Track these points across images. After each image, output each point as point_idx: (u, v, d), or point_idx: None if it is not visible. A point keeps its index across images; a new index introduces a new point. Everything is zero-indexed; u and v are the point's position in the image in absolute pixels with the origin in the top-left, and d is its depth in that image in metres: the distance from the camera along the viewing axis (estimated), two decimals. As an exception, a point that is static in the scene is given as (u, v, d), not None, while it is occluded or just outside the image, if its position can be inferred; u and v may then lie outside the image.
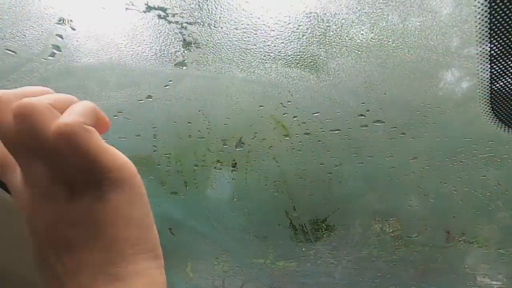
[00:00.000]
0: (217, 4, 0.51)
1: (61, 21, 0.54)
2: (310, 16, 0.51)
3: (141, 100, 0.67)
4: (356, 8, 0.49)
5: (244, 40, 0.55)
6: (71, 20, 0.55)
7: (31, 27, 0.54)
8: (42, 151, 0.21)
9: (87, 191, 0.22)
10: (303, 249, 1.19)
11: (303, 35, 0.53)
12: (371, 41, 0.54)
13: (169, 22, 0.52)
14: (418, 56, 0.57)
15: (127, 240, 0.23)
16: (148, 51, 0.58)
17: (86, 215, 0.22)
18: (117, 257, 0.22)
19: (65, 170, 0.22)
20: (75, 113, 0.22)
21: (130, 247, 0.23)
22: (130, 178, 0.23)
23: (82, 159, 0.21)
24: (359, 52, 0.55)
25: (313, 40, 0.54)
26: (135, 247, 0.23)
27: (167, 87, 0.63)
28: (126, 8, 0.52)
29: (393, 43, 0.56)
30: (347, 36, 0.53)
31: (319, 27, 0.52)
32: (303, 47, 0.55)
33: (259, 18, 0.51)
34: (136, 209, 0.23)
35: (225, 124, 0.72)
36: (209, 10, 0.52)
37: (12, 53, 0.58)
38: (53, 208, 0.22)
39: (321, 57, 0.56)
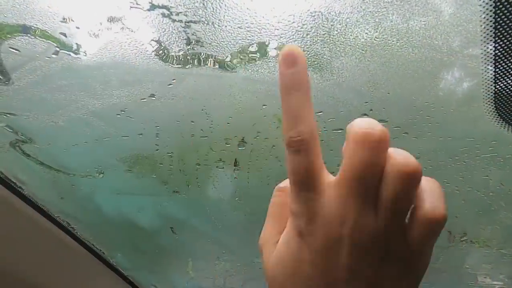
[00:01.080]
0: (221, 3, 0.51)
1: (65, 20, 0.54)
2: (314, 15, 0.50)
3: (144, 98, 0.67)
4: (361, 7, 0.49)
5: (248, 39, 0.55)
6: (73, 20, 0.55)
7: (35, 25, 0.54)
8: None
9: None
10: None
11: (307, 34, 0.53)
12: (375, 40, 0.54)
13: (173, 20, 0.52)
14: (422, 56, 0.57)
15: None
16: (152, 49, 0.58)
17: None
18: None
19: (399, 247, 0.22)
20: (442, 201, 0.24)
21: None
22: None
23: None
24: (363, 51, 0.55)
25: (317, 39, 0.54)
26: None
27: (170, 85, 0.63)
28: (130, 7, 0.52)
29: (397, 42, 0.56)
30: (351, 35, 0.53)
31: (323, 26, 0.52)
32: (307, 46, 0.55)
33: (263, 17, 0.51)
34: None
35: (228, 123, 0.72)
36: (213, 8, 0.52)
37: (16, 51, 0.58)
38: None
39: (325, 56, 0.56)
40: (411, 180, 0.21)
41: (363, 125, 0.21)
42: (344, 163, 0.22)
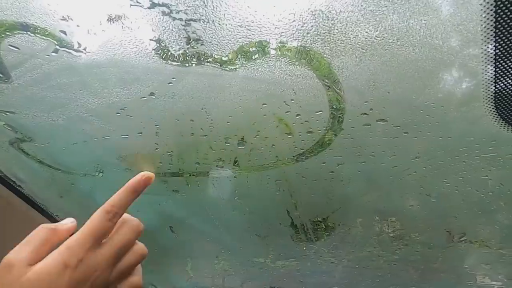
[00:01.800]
0: (222, 1, 0.51)
1: (65, 18, 0.54)
2: (315, 14, 0.50)
3: (144, 97, 0.67)
4: (361, 6, 0.49)
5: (248, 38, 0.55)
6: (71, 19, 0.55)
7: (35, 23, 0.54)
8: None
9: None
10: (304, 248, 1.19)
11: (307, 33, 0.53)
12: (376, 39, 0.54)
13: (174, 19, 0.52)
14: (422, 55, 0.57)
15: None
16: (152, 48, 0.58)
17: None
18: None
19: None
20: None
21: None
22: None
23: None
24: (364, 51, 0.55)
25: (318, 38, 0.54)
26: None
27: (170, 84, 0.63)
28: (131, 5, 0.52)
29: (397, 41, 0.56)
30: (351, 34, 0.53)
31: (323, 25, 0.52)
32: (308, 45, 0.55)
33: (263, 15, 0.51)
34: None
35: (228, 122, 0.72)
36: (213, 7, 0.51)
37: (16, 49, 0.58)
38: None
39: (325, 55, 0.56)
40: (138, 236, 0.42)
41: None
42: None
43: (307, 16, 0.50)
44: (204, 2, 0.51)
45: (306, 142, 0.74)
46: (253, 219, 1.06)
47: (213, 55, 0.58)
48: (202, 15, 0.53)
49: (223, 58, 0.58)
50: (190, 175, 0.90)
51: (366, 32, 0.52)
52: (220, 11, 0.52)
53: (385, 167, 0.78)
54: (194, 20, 0.53)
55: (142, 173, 0.43)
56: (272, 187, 0.90)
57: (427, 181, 0.80)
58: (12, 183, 0.95)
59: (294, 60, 0.57)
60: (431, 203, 0.86)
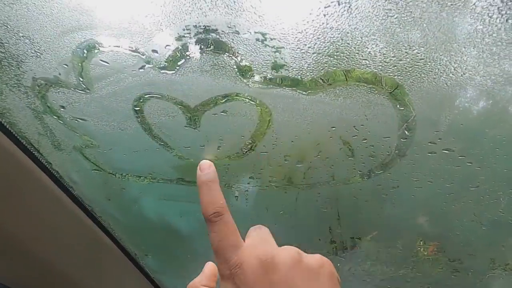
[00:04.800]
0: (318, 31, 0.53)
1: (158, 38, 0.56)
2: (403, 46, 0.52)
3: (216, 114, 0.69)
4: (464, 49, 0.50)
5: (334, 66, 0.56)
6: (162, 39, 0.57)
7: (130, 42, 0.57)
8: None
9: None
10: (338, 264, 1.19)
11: (393, 66, 0.54)
12: (456, 76, 0.55)
13: (266, 45, 0.54)
14: (501, 89, 0.58)
15: None
16: (236, 69, 0.60)
17: None
18: None
19: None
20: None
21: None
22: None
23: None
24: (447, 86, 0.56)
25: (403, 71, 0.55)
26: None
27: (244, 103, 0.65)
28: (224, 31, 0.54)
29: (477, 75, 0.57)
30: (436, 72, 0.54)
31: (409, 58, 0.53)
32: (393, 77, 0.56)
33: (355, 47, 0.53)
34: None
35: (292, 141, 0.73)
36: (304, 34, 0.53)
37: (106, 63, 0.60)
38: None
39: (406, 86, 0.57)
40: None
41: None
42: None
43: (401, 52, 0.51)
44: (296, 29, 0.53)
45: (366, 165, 0.75)
46: (293, 233, 1.07)
47: (294, 79, 0.60)
48: (291, 43, 0.54)
49: (304, 83, 0.60)
50: (240, 188, 0.91)
51: (452, 73, 0.53)
52: (307, 39, 0.54)
53: (441, 193, 0.78)
54: (283, 48, 0.55)
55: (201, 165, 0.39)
56: (321, 204, 0.91)
57: (482, 210, 0.80)
58: (65, 184, 0.98)
59: (374, 88, 0.59)
60: (482, 231, 0.86)
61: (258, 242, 0.35)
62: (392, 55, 0.53)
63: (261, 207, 0.98)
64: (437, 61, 0.54)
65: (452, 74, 0.55)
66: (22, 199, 0.78)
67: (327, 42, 0.53)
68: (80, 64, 0.60)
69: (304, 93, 0.61)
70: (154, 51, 0.58)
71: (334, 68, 0.56)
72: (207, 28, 0.54)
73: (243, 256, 0.31)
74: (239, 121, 0.69)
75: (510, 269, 0.99)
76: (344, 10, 0.49)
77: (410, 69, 0.55)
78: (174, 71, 0.61)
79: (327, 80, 0.58)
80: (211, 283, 0.39)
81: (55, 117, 0.74)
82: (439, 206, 0.83)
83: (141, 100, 0.68)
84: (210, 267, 0.41)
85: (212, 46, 0.57)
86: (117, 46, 0.57)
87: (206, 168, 0.37)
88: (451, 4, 0.47)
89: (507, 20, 0.48)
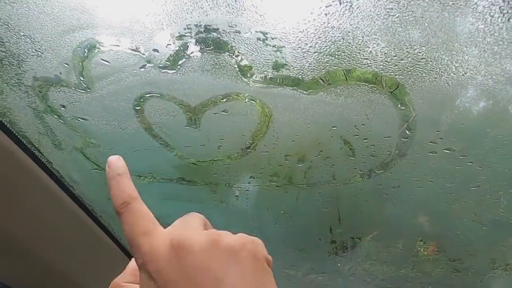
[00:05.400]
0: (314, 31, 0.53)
1: (160, 37, 0.56)
2: (406, 46, 0.51)
3: (216, 113, 0.69)
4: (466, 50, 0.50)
5: (335, 65, 0.56)
6: (163, 39, 0.57)
7: (131, 41, 0.57)
8: None
9: None
10: (338, 264, 1.19)
11: (395, 65, 0.54)
12: (458, 77, 0.55)
13: (267, 45, 0.54)
14: (502, 90, 0.58)
15: None
16: (237, 68, 0.60)
17: None
18: None
19: None
20: None
21: None
22: None
23: None
24: (448, 85, 0.56)
25: (405, 70, 0.55)
26: None
27: (245, 103, 0.65)
28: (224, 31, 0.54)
29: (478, 75, 0.56)
30: (437, 72, 0.54)
31: (411, 58, 0.53)
32: (394, 76, 0.56)
33: (356, 46, 0.53)
34: None
35: (293, 141, 0.73)
36: (305, 34, 0.53)
37: (107, 63, 0.60)
38: None
39: (407, 85, 0.57)
40: None
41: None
42: None
43: (402, 51, 0.51)
44: (297, 29, 0.53)
45: (367, 165, 0.75)
46: (293, 232, 1.07)
47: (295, 78, 0.60)
48: (292, 42, 0.54)
49: (304, 82, 0.60)
50: (241, 188, 0.91)
51: (453, 73, 0.53)
52: (309, 38, 0.54)
53: (442, 193, 0.78)
54: (284, 47, 0.55)
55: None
56: (321, 204, 0.91)
57: (482, 210, 0.80)
58: (65, 183, 0.98)
59: (375, 88, 0.58)
60: (482, 230, 0.85)
61: (178, 227, 0.32)
62: (394, 54, 0.53)
63: (262, 207, 0.98)
64: (438, 61, 0.54)
65: (454, 74, 0.55)
66: (22, 199, 0.78)
67: (328, 42, 0.53)
68: (80, 64, 0.60)
69: (305, 92, 0.61)
70: (155, 50, 0.58)
71: (335, 68, 0.56)
72: (208, 27, 0.54)
73: (154, 242, 0.29)
74: (240, 120, 0.69)
75: (510, 269, 0.98)
76: (346, 10, 0.49)
77: (412, 68, 0.55)
78: (175, 70, 0.61)
79: (328, 80, 0.58)
80: (134, 278, 0.36)
81: (56, 116, 0.74)
82: (440, 206, 0.83)
83: (141, 100, 0.68)
84: (132, 263, 0.37)
85: (213, 46, 0.57)
86: (118, 45, 0.57)
87: (114, 162, 0.33)
88: (453, 4, 0.47)
89: (508, 20, 0.47)
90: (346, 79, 0.58)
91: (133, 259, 0.36)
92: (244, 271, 0.27)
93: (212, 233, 0.30)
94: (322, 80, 0.59)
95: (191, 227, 0.31)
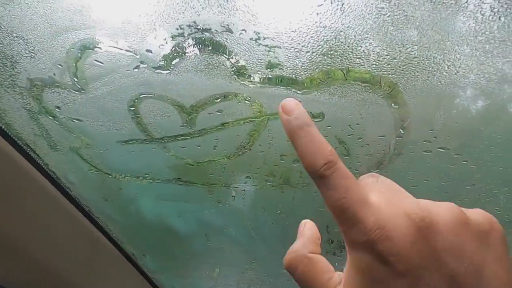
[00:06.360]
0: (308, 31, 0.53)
1: (155, 37, 0.56)
2: (403, 46, 0.52)
3: (211, 113, 0.69)
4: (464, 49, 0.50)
5: (328, 65, 0.56)
6: (156, 39, 0.57)
7: (125, 42, 0.57)
8: None
9: None
10: (336, 263, 1.19)
11: (388, 64, 0.54)
12: (448, 77, 0.55)
13: (259, 44, 0.54)
14: (496, 88, 0.58)
15: None
16: (231, 68, 0.60)
17: None
18: None
19: None
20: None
21: None
22: None
23: None
24: (441, 84, 0.56)
25: (399, 69, 0.55)
26: None
27: (239, 103, 0.65)
28: (221, 31, 0.54)
29: (471, 74, 0.57)
30: (431, 73, 0.54)
31: (405, 58, 0.53)
32: (387, 75, 0.56)
33: (348, 46, 0.53)
34: None
35: (288, 141, 0.73)
36: (298, 34, 0.53)
37: (100, 63, 0.60)
38: None
39: (400, 84, 0.57)
40: None
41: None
42: None
43: (394, 50, 0.51)
44: (289, 29, 0.53)
45: (361, 164, 0.75)
46: (290, 232, 1.07)
47: (289, 78, 0.60)
48: (285, 42, 0.54)
49: (298, 82, 0.60)
50: (237, 188, 0.91)
51: (445, 72, 0.54)
52: (302, 38, 0.54)
53: (436, 191, 0.78)
54: (277, 47, 0.55)
55: None
56: (318, 204, 0.91)
57: (478, 208, 0.80)
58: (62, 185, 0.98)
59: (369, 87, 0.59)
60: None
61: (392, 195, 0.24)
62: (386, 53, 0.53)
63: (258, 207, 0.98)
64: (430, 59, 0.54)
65: (446, 72, 0.55)
66: (19, 200, 0.78)
67: (321, 41, 0.54)
68: (74, 64, 0.61)
69: (299, 92, 0.61)
70: (148, 50, 0.58)
71: (329, 67, 0.56)
72: (201, 27, 0.54)
73: (383, 215, 0.22)
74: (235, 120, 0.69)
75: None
76: (337, 9, 0.49)
77: (404, 67, 0.56)
78: (168, 71, 0.61)
79: (327, 80, 0.58)
80: (316, 248, 0.28)
81: (51, 117, 0.74)
82: (436, 204, 0.83)
83: (136, 100, 0.68)
84: (311, 228, 0.30)
85: (205, 45, 0.57)
86: (111, 46, 0.57)
87: (295, 108, 0.25)
88: (444, 2, 0.47)
89: (499, 18, 0.48)
90: (346, 79, 0.58)
91: (308, 224, 0.31)
92: (499, 258, 0.22)
93: (451, 205, 0.24)
94: (317, 79, 0.59)
95: (409, 196, 0.25)
